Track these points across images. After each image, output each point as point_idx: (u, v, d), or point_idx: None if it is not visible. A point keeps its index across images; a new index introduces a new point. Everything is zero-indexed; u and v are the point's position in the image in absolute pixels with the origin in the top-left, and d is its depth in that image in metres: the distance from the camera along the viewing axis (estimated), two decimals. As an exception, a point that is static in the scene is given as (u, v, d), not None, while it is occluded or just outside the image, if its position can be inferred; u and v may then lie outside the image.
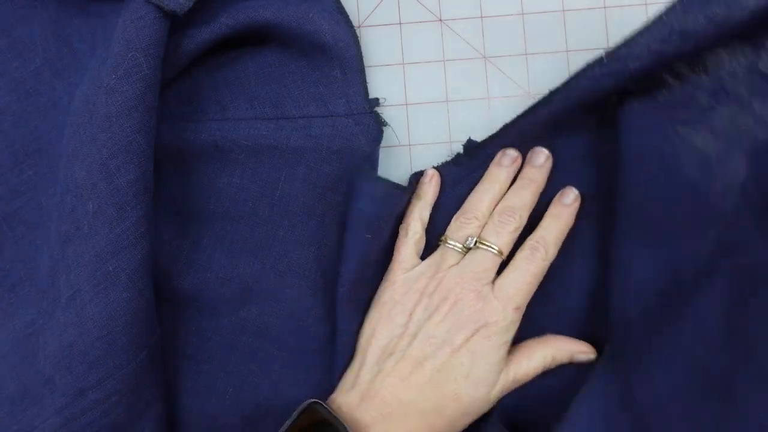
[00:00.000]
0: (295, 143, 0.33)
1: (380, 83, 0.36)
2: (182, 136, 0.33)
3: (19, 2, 0.33)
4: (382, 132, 0.35)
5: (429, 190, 0.34)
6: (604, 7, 0.36)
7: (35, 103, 0.33)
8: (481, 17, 0.36)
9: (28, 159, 0.33)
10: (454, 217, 0.34)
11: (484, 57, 0.36)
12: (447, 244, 0.33)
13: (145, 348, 0.29)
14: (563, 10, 0.36)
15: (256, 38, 0.33)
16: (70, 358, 0.28)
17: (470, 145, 0.35)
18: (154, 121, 0.29)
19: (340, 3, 0.35)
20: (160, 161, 0.33)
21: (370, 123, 0.34)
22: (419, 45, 0.36)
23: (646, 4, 0.36)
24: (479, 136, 0.36)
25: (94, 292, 0.28)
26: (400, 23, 0.36)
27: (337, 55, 0.33)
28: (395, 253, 0.33)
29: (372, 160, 0.35)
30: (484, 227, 0.33)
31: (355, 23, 0.36)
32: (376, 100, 0.35)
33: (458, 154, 0.35)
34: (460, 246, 0.33)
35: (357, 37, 0.35)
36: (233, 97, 0.34)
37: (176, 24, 0.31)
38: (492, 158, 0.34)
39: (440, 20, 0.36)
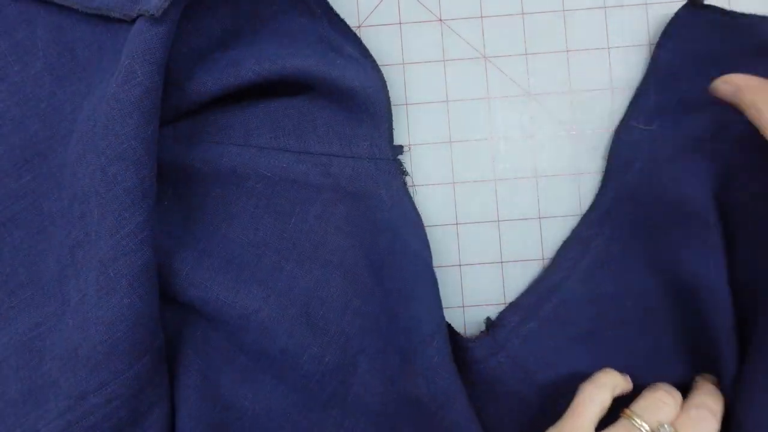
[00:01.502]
0: (314, 180, 0.33)
1: (380, 83, 0.36)
2: (203, 156, 0.33)
3: (22, 5, 0.33)
4: (404, 181, 0.35)
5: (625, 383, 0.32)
6: (604, 7, 0.36)
7: (35, 108, 0.33)
8: (481, 17, 0.36)
9: (27, 164, 0.32)
10: (647, 390, 0.31)
11: (484, 57, 0.36)
12: (634, 421, 0.29)
13: (147, 353, 0.29)
14: (563, 10, 0.36)
15: (284, 83, 0.33)
16: (75, 361, 0.28)
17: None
18: (153, 127, 0.29)
19: (366, 49, 0.35)
20: (178, 178, 0.33)
21: (391, 170, 0.34)
22: (419, 45, 0.36)
23: (646, 4, 0.36)
24: (479, 136, 0.36)
25: (97, 296, 0.28)
26: (400, 23, 0.36)
27: (365, 100, 0.33)
28: (574, 413, 0.30)
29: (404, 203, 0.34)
30: (677, 418, 0.30)
31: (355, 23, 0.36)
32: (401, 147, 0.35)
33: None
34: (648, 429, 0.29)
35: (385, 82, 0.35)
36: (259, 124, 0.33)
37: (200, 65, 0.31)
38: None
39: (440, 20, 0.36)
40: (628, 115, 0.35)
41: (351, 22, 0.36)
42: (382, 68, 0.36)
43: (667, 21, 0.36)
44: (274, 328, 0.32)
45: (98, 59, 0.32)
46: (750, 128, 0.30)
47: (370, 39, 0.36)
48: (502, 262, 0.36)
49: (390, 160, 0.34)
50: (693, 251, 0.32)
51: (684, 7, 0.35)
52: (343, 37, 0.35)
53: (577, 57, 0.36)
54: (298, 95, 0.34)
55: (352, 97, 0.33)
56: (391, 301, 0.33)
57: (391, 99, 0.36)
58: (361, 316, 0.33)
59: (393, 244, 0.33)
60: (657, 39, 0.36)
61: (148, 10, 0.28)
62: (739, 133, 0.33)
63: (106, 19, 0.32)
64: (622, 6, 0.36)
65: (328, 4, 0.35)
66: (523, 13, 0.36)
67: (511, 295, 0.35)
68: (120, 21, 0.31)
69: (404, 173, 0.35)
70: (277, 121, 0.34)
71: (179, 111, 0.32)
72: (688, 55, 0.35)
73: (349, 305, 0.33)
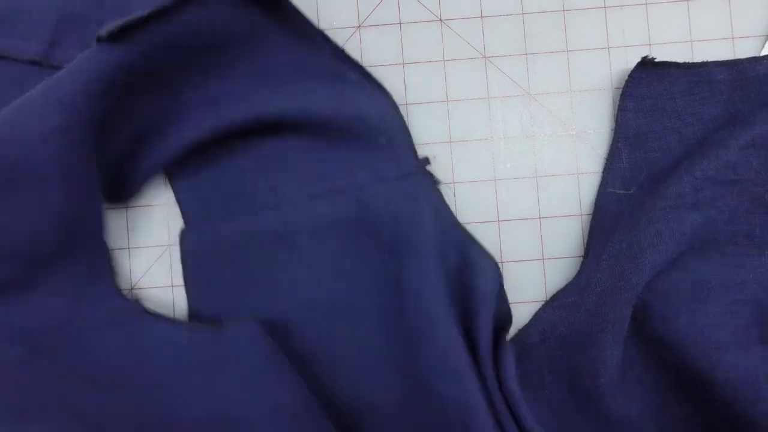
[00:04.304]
0: (352, 214, 0.33)
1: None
2: (243, 230, 0.33)
3: (13, 67, 0.33)
4: (438, 190, 0.34)
5: None
6: (604, 7, 0.36)
7: None
8: (481, 17, 0.36)
9: None
10: None
11: (484, 57, 0.36)
12: None
13: None
14: (563, 10, 0.36)
15: (293, 122, 0.33)
16: None
17: None
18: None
19: (367, 71, 0.34)
20: (224, 254, 0.33)
21: (424, 182, 0.34)
22: (419, 45, 0.36)
23: (646, 4, 0.36)
24: (479, 136, 0.36)
25: None
26: (400, 23, 0.36)
27: (378, 123, 0.33)
28: None
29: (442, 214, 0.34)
30: None
31: (354, 23, 0.36)
32: (426, 159, 0.35)
33: None
34: None
35: (394, 101, 0.34)
36: (283, 179, 0.34)
37: (207, 104, 0.32)
38: None
39: (440, 20, 0.36)
40: (604, 181, 0.35)
41: (351, 22, 0.36)
42: (382, 68, 0.36)
43: (666, 21, 0.36)
44: (347, 374, 0.32)
45: None
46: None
47: (370, 39, 0.36)
48: (502, 262, 0.36)
49: (419, 174, 0.34)
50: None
51: (637, 67, 0.35)
52: (345, 63, 0.34)
53: (577, 57, 0.36)
54: (312, 134, 0.34)
55: (368, 125, 0.33)
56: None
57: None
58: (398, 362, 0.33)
59: (439, 257, 0.33)
60: (656, 40, 0.36)
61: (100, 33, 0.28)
62: (710, 193, 0.33)
63: None
64: (622, 6, 0.36)
65: (325, 33, 0.34)
66: (523, 13, 0.36)
67: (511, 294, 0.35)
68: None
69: (436, 182, 0.35)
70: (300, 170, 0.34)
71: (198, 146, 0.32)
72: (651, 113, 0.35)
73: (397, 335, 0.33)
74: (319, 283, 0.33)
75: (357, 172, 0.34)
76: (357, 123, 0.33)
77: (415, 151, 0.34)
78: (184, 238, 0.34)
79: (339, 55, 0.34)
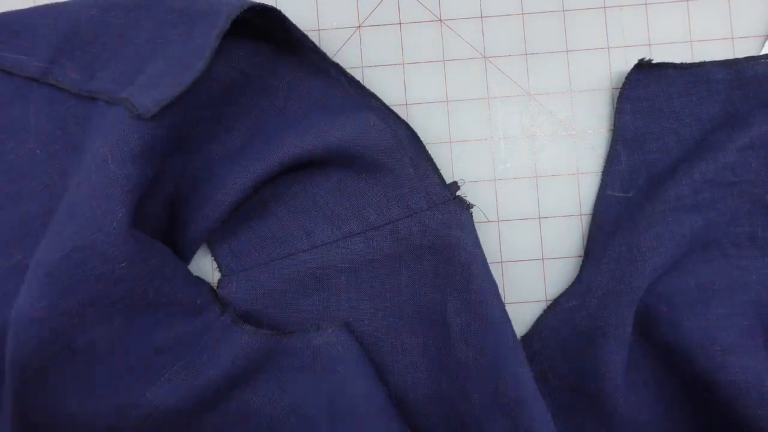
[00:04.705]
0: (389, 251, 0.33)
1: (380, 83, 0.36)
2: (279, 275, 0.33)
3: (16, 81, 0.33)
4: (470, 215, 0.33)
5: None
6: (604, 7, 0.36)
7: (28, 186, 0.32)
8: (481, 17, 0.36)
9: (19, 243, 0.32)
10: None
11: (484, 57, 0.36)
12: None
13: None
14: (563, 10, 0.36)
15: (320, 160, 0.33)
16: None
17: None
18: (124, 211, 0.28)
19: (382, 101, 0.34)
20: (263, 303, 0.33)
21: (456, 209, 0.33)
22: (419, 45, 0.36)
23: (646, 4, 0.36)
24: (479, 136, 0.36)
25: None
26: (400, 23, 0.36)
27: (405, 152, 0.33)
28: None
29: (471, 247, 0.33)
30: None
31: (354, 23, 0.36)
32: (455, 183, 0.34)
33: None
34: None
35: (413, 129, 0.34)
36: (316, 222, 0.34)
37: (232, 160, 0.32)
38: None
39: (440, 20, 0.36)
40: (603, 184, 0.35)
41: (351, 22, 0.36)
42: (382, 68, 0.36)
43: (666, 21, 0.36)
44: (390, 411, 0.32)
45: (87, 134, 0.32)
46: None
47: (370, 39, 0.36)
48: (501, 262, 0.36)
49: (450, 201, 0.33)
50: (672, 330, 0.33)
51: (633, 69, 0.35)
52: (362, 94, 0.34)
53: (577, 57, 0.36)
54: (339, 174, 0.34)
55: (395, 155, 0.33)
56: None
57: (391, 99, 0.36)
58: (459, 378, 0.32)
59: (482, 282, 0.32)
60: (656, 40, 0.36)
61: (135, 107, 0.28)
62: (710, 195, 0.33)
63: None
64: (622, 6, 0.36)
65: (339, 65, 0.34)
66: (523, 13, 0.36)
67: (511, 295, 0.35)
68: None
69: (468, 207, 0.34)
70: (331, 211, 0.34)
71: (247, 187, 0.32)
72: (648, 114, 0.35)
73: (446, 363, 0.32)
74: (361, 321, 0.33)
75: (389, 206, 0.33)
76: (384, 154, 0.33)
77: (441, 177, 0.34)
78: (222, 287, 0.34)
79: (354, 85, 0.34)
